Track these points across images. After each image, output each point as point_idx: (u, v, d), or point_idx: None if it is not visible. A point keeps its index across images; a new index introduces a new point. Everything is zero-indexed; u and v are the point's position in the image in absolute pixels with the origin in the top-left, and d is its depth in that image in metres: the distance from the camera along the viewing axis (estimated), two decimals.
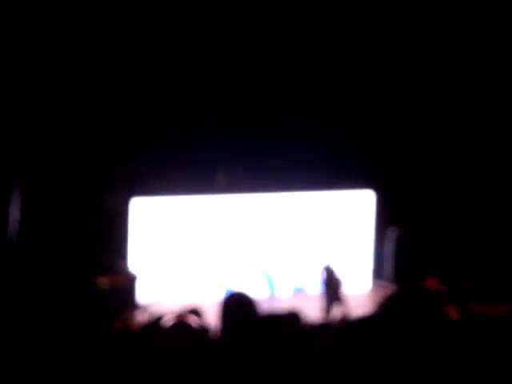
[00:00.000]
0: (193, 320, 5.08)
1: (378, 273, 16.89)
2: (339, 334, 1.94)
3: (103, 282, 12.93)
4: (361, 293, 16.16)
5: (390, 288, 16.50)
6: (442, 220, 16.89)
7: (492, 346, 4.87)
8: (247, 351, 5.28)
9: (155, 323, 6.14)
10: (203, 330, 5.11)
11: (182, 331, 5.14)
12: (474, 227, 16.49)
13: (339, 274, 14.80)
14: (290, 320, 5.68)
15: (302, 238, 16.57)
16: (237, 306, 5.58)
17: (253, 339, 5.40)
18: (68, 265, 14.53)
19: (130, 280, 14.75)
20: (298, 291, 16.02)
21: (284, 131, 16.37)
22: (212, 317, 5.83)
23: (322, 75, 16.42)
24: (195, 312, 6.01)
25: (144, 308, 14.12)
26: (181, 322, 5.06)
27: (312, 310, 13.76)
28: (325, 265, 14.88)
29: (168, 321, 4.98)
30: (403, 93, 16.67)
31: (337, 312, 13.73)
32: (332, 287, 14.54)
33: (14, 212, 14.92)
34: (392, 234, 16.84)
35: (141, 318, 12.60)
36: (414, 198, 17.07)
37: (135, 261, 15.23)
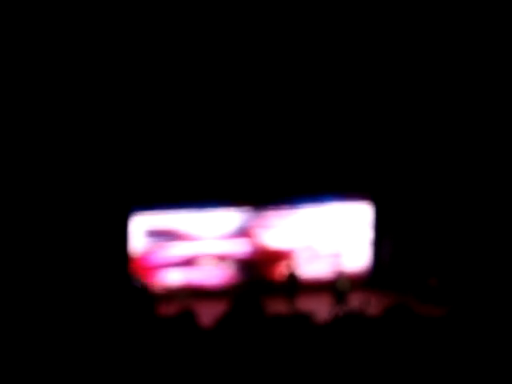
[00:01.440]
0: None
1: (375, 278, 17.22)
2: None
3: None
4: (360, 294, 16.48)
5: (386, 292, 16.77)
6: (432, 228, 17.21)
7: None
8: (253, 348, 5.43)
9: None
10: None
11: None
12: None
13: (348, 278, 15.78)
14: (297, 321, 5.76)
15: (310, 246, 16.98)
16: (245, 303, 5.69)
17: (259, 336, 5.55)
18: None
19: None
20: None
21: (285, 147, 16.65)
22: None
23: (319, 88, 16.64)
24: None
25: None
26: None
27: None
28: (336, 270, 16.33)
29: None
30: (401, 106, 16.90)
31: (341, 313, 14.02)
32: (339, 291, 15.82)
33: None
34: (388, 243, 17.22)
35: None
36: (409, 210, 17.33)
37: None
